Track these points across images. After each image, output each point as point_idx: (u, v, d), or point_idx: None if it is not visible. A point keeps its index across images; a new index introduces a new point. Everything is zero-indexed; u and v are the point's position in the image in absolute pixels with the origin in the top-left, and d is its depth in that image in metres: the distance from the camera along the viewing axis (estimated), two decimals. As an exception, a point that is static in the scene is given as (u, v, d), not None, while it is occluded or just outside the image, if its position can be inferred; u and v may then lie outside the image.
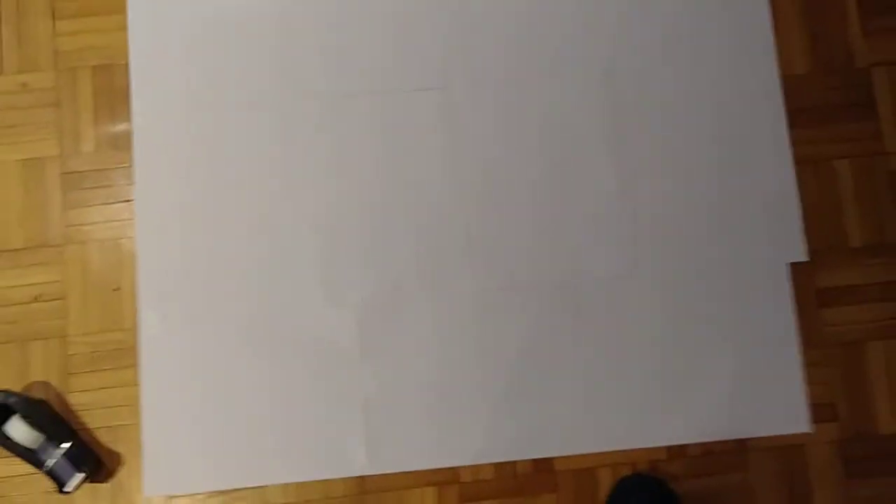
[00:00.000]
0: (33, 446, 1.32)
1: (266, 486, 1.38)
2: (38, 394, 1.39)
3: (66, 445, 1.33)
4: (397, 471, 1.39)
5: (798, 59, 1.48)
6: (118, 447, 1.39)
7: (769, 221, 1.45)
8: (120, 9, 1.50)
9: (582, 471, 1.39)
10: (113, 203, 1.45)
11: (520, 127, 1.47)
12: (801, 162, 1.46)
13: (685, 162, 1.46)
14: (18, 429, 1.30)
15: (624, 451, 1.40)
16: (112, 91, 1.48)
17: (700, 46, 1.49)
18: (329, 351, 1.42)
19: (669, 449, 1.40)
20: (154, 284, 1.43)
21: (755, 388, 1.41)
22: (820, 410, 1.40)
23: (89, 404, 1.39)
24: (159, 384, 1.40)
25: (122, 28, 1.49)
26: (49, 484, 1.33)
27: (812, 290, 1.43)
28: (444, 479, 1.39)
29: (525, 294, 1.43)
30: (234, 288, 1.43)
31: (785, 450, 1.39)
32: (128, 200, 1.45)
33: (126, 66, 1.48)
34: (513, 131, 1.47)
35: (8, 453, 1.33)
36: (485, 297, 1.43)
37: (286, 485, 1.38)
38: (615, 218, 1.45)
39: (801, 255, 1.44)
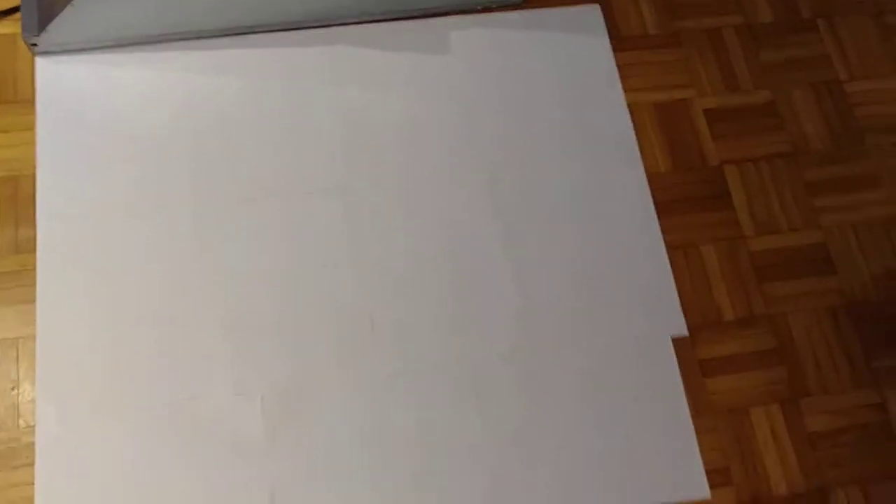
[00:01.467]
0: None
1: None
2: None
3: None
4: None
5: (660, 160, 1.66)
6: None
7: (650, 301, 1.57)
8: (29, 126, 1.56)
9: (494, 548, 1.39)
10: (12, 304, 1.45)
11: (419, 226, 1.57)
12: (672, 248, 1.60)
13: (570, 254, 1.58)
14: None
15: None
16: (17, 200, 1.51)
17: (571, 152, 1.65)
18: (237, 441, 1.41)
19: (577, 521, 1.42)
20: (53, 381, 1.41)
21: (652, 459, 1.47)
22: (715, 476, 1.47)
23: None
24: (57, 482, 1.36)
25: (31, 143, 1.55)
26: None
27: (695, 362, 1.53)
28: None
29: (428, 376, 1.48)
30: (138, 385, 1.42)
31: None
32: (29, 301, 1.45)
33: (33, 176, 1.52)
34: (412, 230, 1.57)
35: None
36: (390, 382, 1.47)
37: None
38: (510, 302, 1.53)
39: (681, 330, 1.55)
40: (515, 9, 1.74)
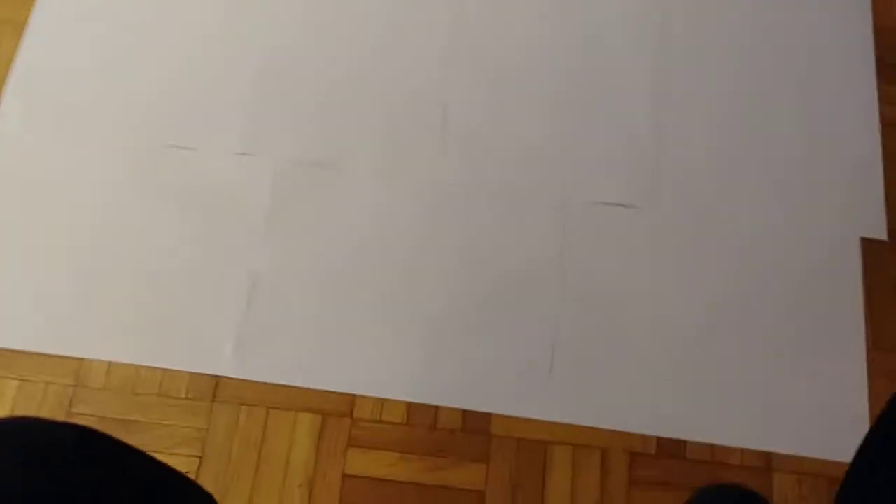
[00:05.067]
0: None
1: (86, 360, 0.96)
2: None
3: None
4: (269, 381, 0.96)
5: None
6: None
7: (842, 186, 1.09)
8: None
9: (529, 442, 0.95)
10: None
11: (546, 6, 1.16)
12: (888, 124, 1.11)
13: (741, 96, 1.13)
14: None
15: (594, 429, 0.96)
16: None
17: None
18: (227, 208, 1.04)
19: (660, 442, 0.96)
20: (27, 77, 1.09)
21: (799, 393, 0.99)
22: (884, 438, 0.96)
23: None
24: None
25: None
26: None
27: (889, 277, 1.03)
28: (332, 407, 0.96)
29: (502, 201, 1.06)
30: (127, 108, 1.08)
31: (820, 480, 0.95)
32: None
33: None
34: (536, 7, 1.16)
35: None
36: (447, 191, 1.06)
37: (112, 365, 0.96)
38: (638, 140, 1.09)
39: (878, 230, 1.06)
40: None
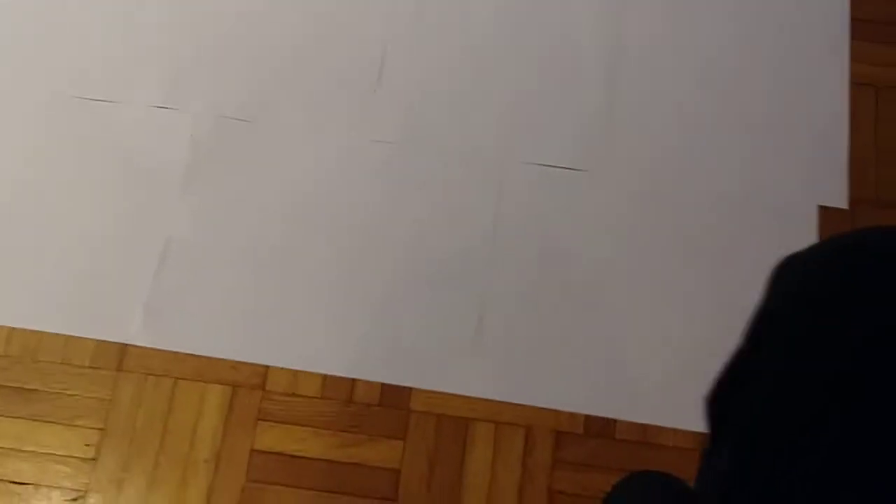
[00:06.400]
0: None
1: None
2: None
3: None
4: (178, 350, 0.91)
5: (877, -41, 1.08)
6: None
7: (804, 148, 1.01)
8: None
9: (449, 419, 0.90)
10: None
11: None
12: (859, 84, 1.03)
13: (700, 47, 1.05)
14: None
15: (519, 406, 0.91)
16: None
17: None
18: (141, 165, 0.98)
19: (588, 421, 0.91)
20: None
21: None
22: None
23: None
24: None
25: None
26: None
27: (845, 250, 0.96)
28: (243, 379, 0.91)
29: (436, 160, 0.99)
30: (31, 54, 1.02)
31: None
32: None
33: None
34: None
35: None
36: (378, 149, 0.99)
37: (14, 331, 0.91)
38: (590, 99, 1.02)
39: (838, 199, 0.98)
40: None
